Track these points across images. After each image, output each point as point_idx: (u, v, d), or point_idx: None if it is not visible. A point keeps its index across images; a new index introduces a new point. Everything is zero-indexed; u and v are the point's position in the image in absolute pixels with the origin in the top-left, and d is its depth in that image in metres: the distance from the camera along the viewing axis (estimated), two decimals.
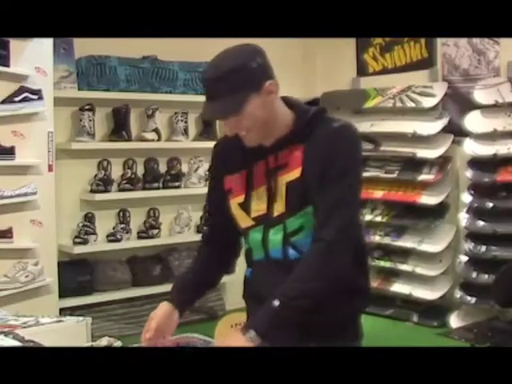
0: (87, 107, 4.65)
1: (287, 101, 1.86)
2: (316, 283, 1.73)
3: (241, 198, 1.88)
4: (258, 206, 1.85)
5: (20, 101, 3.95)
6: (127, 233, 4.88)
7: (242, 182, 1.87)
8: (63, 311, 4.23)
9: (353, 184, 1.80)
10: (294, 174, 1.80)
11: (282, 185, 1.81)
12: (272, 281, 1.82)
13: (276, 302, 1.69)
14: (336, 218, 1.74)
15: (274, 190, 1.82)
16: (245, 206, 1.87)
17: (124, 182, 4.85)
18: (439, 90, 5.03)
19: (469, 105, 4.77)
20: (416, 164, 5.03)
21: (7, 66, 3.92)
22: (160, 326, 1.88)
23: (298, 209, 1.79)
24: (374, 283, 5.19)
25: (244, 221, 1.89)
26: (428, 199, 4.93)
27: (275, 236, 1.83)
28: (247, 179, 1.87)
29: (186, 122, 5.15)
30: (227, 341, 1.72)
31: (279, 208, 1.82)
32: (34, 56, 4.04)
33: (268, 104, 1.76)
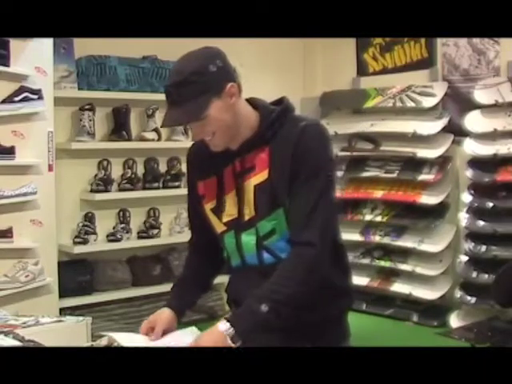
0: (87, 107, 4.64)
1: (252, 102, 1.84)
2: (302, 288, 1.72)
3: (213, 203, 1.87)
4: (229, 211, 1.84)
5: (20, 100, 3.94)
6: (127, 233, 4.88)
7: (213, 188, 1.87)
8: (63, 311, 4.23)
9: (327, 183, 1.77)
10: (262, 176, 1.78)
11: (250, 188, 1.80)
12: (250, 288, 1.80)
13: (264, 308, 1.67)
14: (316, 221, 1.73)
15: (243, 194, 1.81)
16: (216, 211, 1.87)
17: (124, 181, 4.85)
18: (439, 89, 5.03)
19: (469, 105, 4.77)
20: (416, 164, 5.03)
21: (7, 65, 3.92)
22: (164, 331, 1.86)
23: (268, 212, 1.78)
24: (374, 283, 5.20)
25: (217, 226, 1.89)
26: (428, 199, 4.93)
27: (248, 240, 1.83)
28: (218, 184, 1.86)
29: None
30: (210, 335, 1.69)
31: (249, 212, 1.81)
32: (34, 56, 4.03)
33: (230, 107, 1.73)
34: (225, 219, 1.86)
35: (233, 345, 1.65)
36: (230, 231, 1.86)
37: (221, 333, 1.67)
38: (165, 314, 1.90)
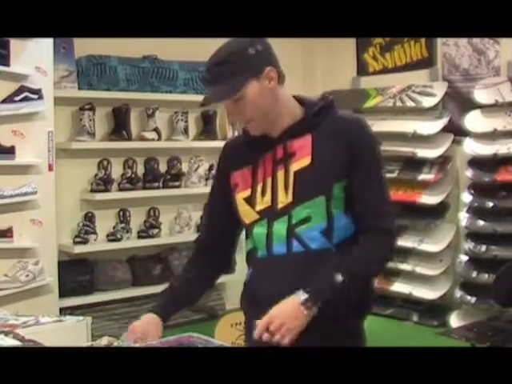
0: (87, 107, 4.65)
1: (297, 97, 1.89)
2: (377, 269, 1.85)
3: (246, 193, 1.86)
4: (263, 199, 1.83)
5: (20, 100, 3.94)
6: (127, 232, 4.88)
7: (248, 176, 1.86)
8: (63, 311, 4.23)
9: (385, 177, 1.87)
10: (304, 162, 1.79)
11: (289, 174, 1.80)
12: (274, 280, 1.81)
13: (339, 277, 1.71)
14: (391, 209, 1.83)
15: (281, 180, 1.81)
16: (250, 200, 1.86)
17: (124, 181, 4.85)
18: (439, 89, 5.03)
19: (469, 104, 4.77)
20: (416, 163, 5.03)
21: (7, 65, 3.92)
22: (145, 331, 1.84)
23: (306, 198, 1.78)
24: (374, 283, 5.19)
25: (248, 215, 1.87)
26: (428, 199, 4.93)
27: (279, 228, 1.82)
28: (253, 173, 1.85)
29: (186, 122, 5.15)
30: (283, 306, 1.70)
31: (285, 199, 1.80)
32: (34, 56, 4.03)
33: (269, 91, 1.77)
34: (258, 207, 1.84)
35: (305, 313, 1.68)
36: (263, 220, 1.84)
37: (296, 302, 1.70)
38: (150, 318, 1.89)
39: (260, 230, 1.85)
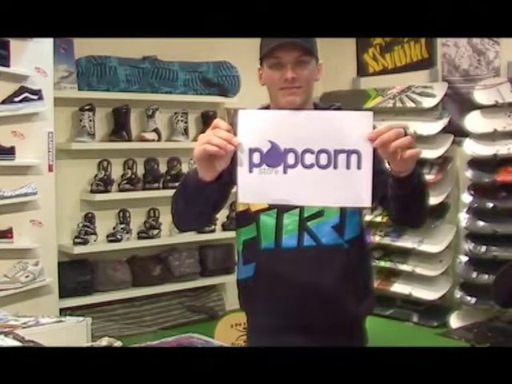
0: (87, 107, 4.65)
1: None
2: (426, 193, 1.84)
3: None
4: None
5: (20, 101, 3.94)
6: (127, 233, 4.88)
7: None
8: (63, 311, 4.23)
9: None
10: None
11: None
12: (284, 275, 1.79)
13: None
14: None
15: None
16: None
17: (124, 182, 4.85)
18: (439, 90, 5.03)
19: (469, 105, 4.77)
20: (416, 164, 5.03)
21: (7, 66, 3.92)
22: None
23: None
24: (375, 283, 5.20)
25: (256, 203, 1.82)
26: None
27: (290, 221, 1.80)
28: None
29: (186, 122, 5.15)
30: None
31: None
32: (34, 56, 4.03)
33: (316, 76, 1.85)
34: None
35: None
36: (272, 210, 1.81)
37: None
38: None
39: (268, 220, 1.82)
